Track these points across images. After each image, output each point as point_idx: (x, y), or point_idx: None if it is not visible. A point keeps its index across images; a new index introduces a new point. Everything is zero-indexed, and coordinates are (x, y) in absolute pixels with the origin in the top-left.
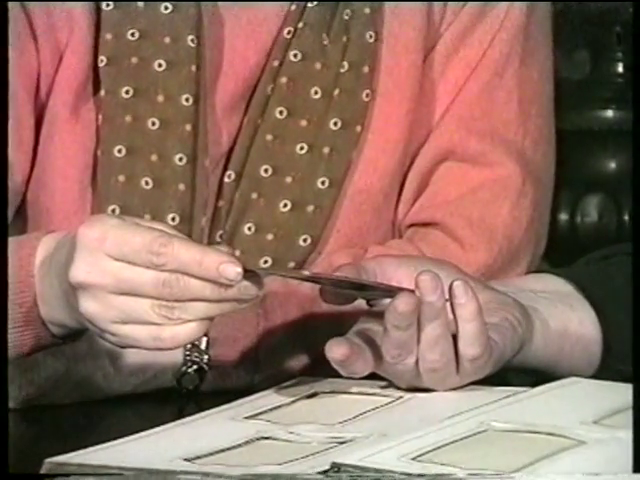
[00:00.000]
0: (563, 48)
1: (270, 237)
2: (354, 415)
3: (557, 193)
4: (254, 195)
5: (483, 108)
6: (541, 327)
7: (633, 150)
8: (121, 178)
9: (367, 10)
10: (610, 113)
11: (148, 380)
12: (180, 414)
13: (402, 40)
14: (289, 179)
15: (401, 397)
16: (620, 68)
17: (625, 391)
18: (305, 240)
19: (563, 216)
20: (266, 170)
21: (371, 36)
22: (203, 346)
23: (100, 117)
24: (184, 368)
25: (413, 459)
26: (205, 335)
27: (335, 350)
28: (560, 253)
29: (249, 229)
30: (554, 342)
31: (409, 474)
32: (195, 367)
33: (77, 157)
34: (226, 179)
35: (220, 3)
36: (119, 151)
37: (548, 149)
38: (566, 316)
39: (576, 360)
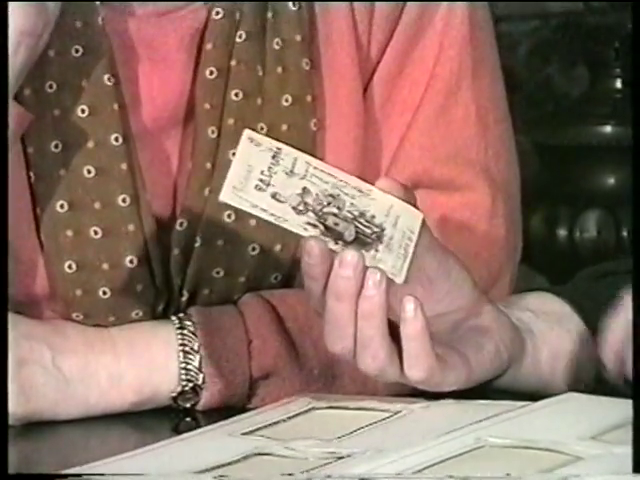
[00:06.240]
0: (562, 64)
1: (242, 279)
2: (351, 430)
3: (556, 208)
4: (219, 242)
5: (442, 132)
6: (533, 351)
7: (632, 166)
8: (69, 233)
9: (298, 38)
10: (609, 129)
11: (145, 401)
12: (178, 430)
13: (337, 68)
14: (253, 221)
15: (398, 412)
16: (619, 84)
17: (623, 407)
18: (276, 278)
19: (562, 231)
20: (229, 215)
21: (307, 64)
22: (196, 364)
23: (32, 175)
24: (180, 387)
25: (410, 475)
26: (197, 352)
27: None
28: (559, 268)
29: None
30: (547, 365)
31: None
32: (191, 385)
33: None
34: (178, 227)
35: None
36: (61, 206)
37: (510, 156)
38: (562, 339)
39: (568, 380)
